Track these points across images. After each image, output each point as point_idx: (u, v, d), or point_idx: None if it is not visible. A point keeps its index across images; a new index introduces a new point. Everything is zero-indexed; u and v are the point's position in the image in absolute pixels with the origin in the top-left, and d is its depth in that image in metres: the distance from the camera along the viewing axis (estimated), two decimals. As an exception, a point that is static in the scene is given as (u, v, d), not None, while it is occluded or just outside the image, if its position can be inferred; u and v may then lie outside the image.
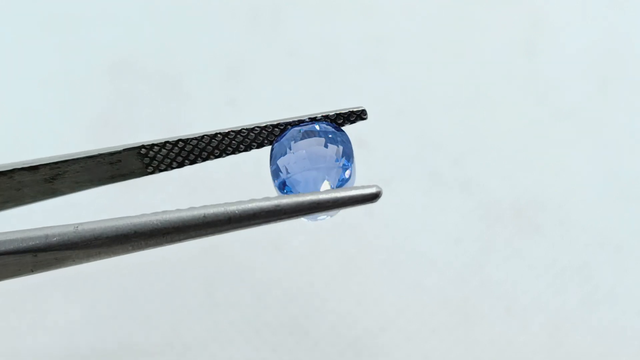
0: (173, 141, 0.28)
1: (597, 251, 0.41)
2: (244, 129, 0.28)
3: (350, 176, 0.27)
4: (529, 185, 0.43)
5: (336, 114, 0.28)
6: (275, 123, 0.28)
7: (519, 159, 0.43)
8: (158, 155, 0.28)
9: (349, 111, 0.28)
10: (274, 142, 0.28)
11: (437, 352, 0.39)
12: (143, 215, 0.25)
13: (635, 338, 0.39)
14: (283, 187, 0.27)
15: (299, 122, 0.28)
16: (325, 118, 0.28)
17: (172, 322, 0.39)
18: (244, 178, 0.42)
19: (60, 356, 0.39)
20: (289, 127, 0.28)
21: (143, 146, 0.28)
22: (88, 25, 0.46)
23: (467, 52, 0.46)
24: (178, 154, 0.28)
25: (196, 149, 0.28)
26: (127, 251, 0.25)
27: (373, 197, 0.25)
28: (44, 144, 0.44)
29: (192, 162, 0.28)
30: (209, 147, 0.28)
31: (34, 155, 0.43)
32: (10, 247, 0.24)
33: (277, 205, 0.24)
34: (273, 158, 0.27)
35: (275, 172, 0.27)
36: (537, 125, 0.44)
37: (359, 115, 0.28)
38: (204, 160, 0.28)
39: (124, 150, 0.28)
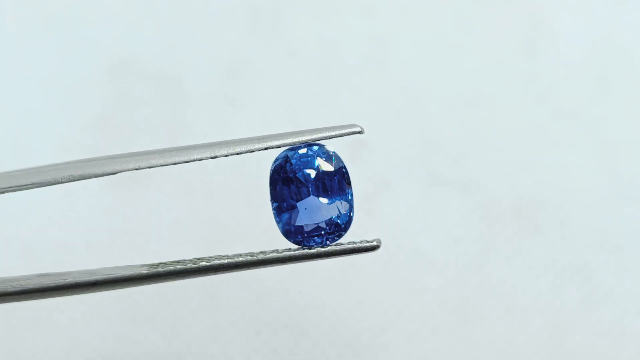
0: (168, 164, 0.28)
1: (597, 251, 0.41)
2: (237, 152, 0.28)
3: (351, 204, 0.28)
4: (529, 185, 0.43)
5: (332, 134, 0.28)
6: (271, 145, 0.28)
7: (519, 159, 0.43)
8: None
9: (346, 132, 0.28)
10: (273, 172, 0.28)
11: (437, 352, 0.39)
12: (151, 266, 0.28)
13: (635, 338, 0.39)
14: (288, 234, 0.28)
15: (295, 146, 0.28)
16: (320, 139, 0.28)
17: (173, 322, 0.39)
18: (243, 179, 0.42)
19: (60, 356, 0.39)
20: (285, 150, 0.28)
21: (136, 169, 0.28)
22: (88, 25, 0.46)
23: (467, 52, 0.46)
24: None
25: None
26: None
27: (373, 249, 0.27)
28: (44, 144, 0.44)
29: None
30: None
31: (34, 156, 0.43)
32: (35, 294, 0.28)
33: (286, 257, 0.28)
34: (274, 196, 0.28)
35: (279, 212, 0.28)
36: (537, 125, 0.44)
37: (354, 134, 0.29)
38: None
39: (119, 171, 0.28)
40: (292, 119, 0.44)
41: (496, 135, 0.44)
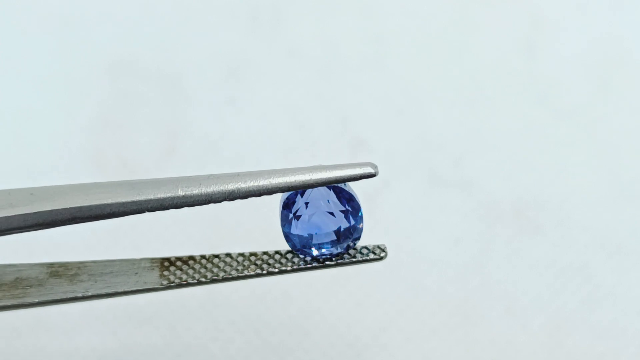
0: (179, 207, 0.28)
1: (597, 251, 0.41)
2: (240, 196, 0.27)
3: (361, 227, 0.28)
4: (529, 185, 0.43)
5: (343, 177, 0.27)
6: (280, 186, 0.27)
7: (519, 159, 0.43)
8: None
9: (359, 174, 0.27)
10: (285, 200, 0.28)
11: (437, 352, 0.39)
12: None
13: (635, 338, 0.39)
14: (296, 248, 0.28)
15: (306, 187, 0.27)
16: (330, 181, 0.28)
17: (172, 322, 0.39)
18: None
19: (60, 356, 0.39)
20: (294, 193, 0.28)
21: (148, 210, 0.28)
22: (88, 25, 0.46)
23: (467, 52, 0.46)
24: None
25: None
26: None
27: (380, 259, 0.28)
28: (44, 144, 0.44)
29: None
30: None
31: (34, 156, 0.43)
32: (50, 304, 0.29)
33: (294, 269, 0.28)
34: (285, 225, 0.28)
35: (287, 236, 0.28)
36: (537, 125, 0.44)
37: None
38: None
39: None
40: (292, 119, 0.44)
41: (496, 135, 0.44)
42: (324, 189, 0.27)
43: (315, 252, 0.28)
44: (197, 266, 0.28)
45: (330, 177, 0.27)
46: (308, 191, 0.27)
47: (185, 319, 0.39)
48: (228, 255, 0.29)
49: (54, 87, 0.45)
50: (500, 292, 0.40)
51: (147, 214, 0.26)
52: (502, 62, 0.46)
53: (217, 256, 0.29)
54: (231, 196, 0.26)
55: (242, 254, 0.29)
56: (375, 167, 0.27)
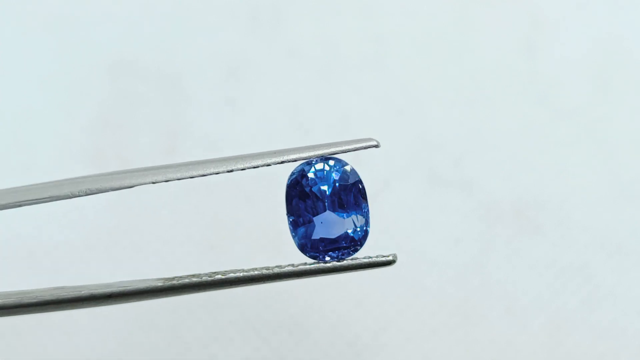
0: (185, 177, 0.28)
1: (597, 251, 0.41)
2: (254, 166, 0.28)
3: (366, 220, 0.28)
4: (529, 185, 0.43)
5: (347, 148, 0.28)
6: (287, 159, 0.27)
7: (519, 159, 0.43)
8: None
9: (362, 146, 0.28)
10: (289, 186, 0.28)
11: (437, 352, 0.39)
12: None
13: (635, 338, 0.39)
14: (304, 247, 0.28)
15: (311, 160, 0.28)
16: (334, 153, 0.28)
17: (173, 322, 0.39)
18: (244, 179, 0.42)
19: (60, 356, 0.39)
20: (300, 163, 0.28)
21: (153, 182, 0.28)
22: (88, 25, 0.46)
23: (467, 52, 0.46)
24: None
25: None
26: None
27: (389, 263, 0.28)
28: (44, 144, 0.44)
29: None
30: None
31: (34, 156, 0.43)
32: (50, 306, 0.29)
33: (302, 271, 0.28)
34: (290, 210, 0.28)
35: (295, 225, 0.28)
36: (537, 125, 0.44)
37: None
38: None
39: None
40: (292, 119, 0.44)
41: (496, 135, 0.44)
42: (331, 191, 0.27)
43: (321, 255, 0.28)
44: (203, 275, 0.28)
45: (334, 150, 0.27)
46: (313, 184, 0.27)
47: (185, 319, 0.39)
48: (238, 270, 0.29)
49: (54, 87, 0.45)
50: (500, 292, 0.40)
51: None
52: (502, 62, 0.46)
53: (227, 270, 0.29)
54: (236, 167, 0.27)
55: (254, 267, 0.29)
56: (377, 141, 0.27)
